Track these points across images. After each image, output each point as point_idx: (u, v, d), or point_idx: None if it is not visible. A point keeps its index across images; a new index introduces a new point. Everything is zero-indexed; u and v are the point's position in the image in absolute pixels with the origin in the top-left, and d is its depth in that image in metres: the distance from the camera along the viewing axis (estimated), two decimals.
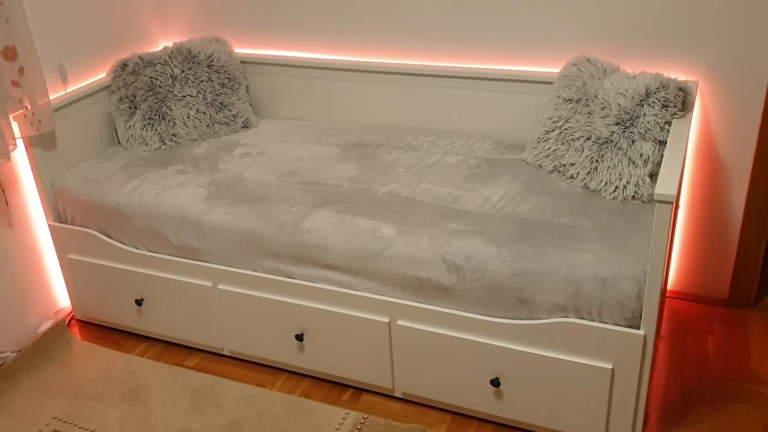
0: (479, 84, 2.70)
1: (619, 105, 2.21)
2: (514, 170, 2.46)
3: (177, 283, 2.48)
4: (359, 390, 2.40)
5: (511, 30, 2.63)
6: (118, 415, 2.32)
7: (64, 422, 2.30)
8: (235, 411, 2.30)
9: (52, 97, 2.64)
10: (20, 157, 2.61)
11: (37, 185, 2.63)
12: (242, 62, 3.04)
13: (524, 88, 2.64)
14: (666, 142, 2.15)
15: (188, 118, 2.85)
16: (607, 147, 2.27)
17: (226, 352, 2.57)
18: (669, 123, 2.17)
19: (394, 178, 2.46)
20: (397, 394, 2.34)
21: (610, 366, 1.96)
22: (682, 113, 2.20)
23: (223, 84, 2.92)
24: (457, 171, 2.48)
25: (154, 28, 3.14)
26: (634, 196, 2.21)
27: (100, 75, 2.91)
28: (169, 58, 2.84)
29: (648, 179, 2.20)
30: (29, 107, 2.44)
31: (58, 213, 2.67)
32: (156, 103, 2.81)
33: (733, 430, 2.16)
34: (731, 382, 2.35)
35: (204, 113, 2.88)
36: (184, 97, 2.85)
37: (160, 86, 2.81)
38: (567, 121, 2.39)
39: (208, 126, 2.89)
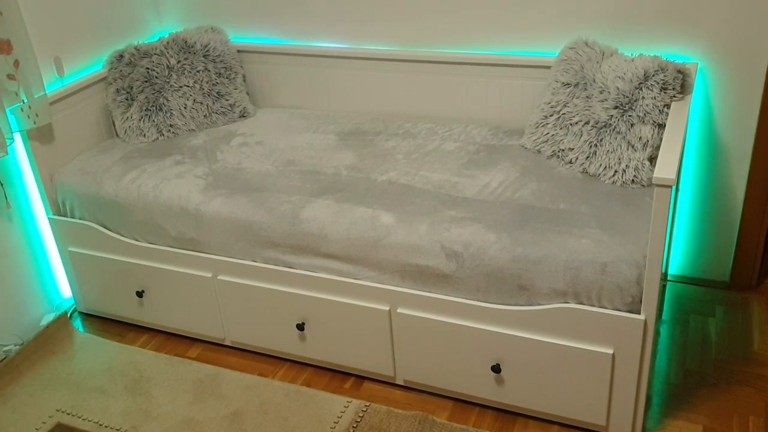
0: (477, 70, 2.69)
1: (618, 88, 2.19)
2: (513, 156, 2.45)
3: (177, 274, 2.49)
4: (361, 378, 2.40)
5: (507, 14, 2.61)
6: (121, 406, 2.33)
7: (68, 414, 2.31)
8: (237, 401, 2.31)
9: (48, 89, 2.63)
10: (18, 151, 2.60)
11: (35, 179, 2.63)
12: (239, 51, 3.02)
13: (522, 73, 2.62)
14: (665, 125, 2.14)
15: (185, 108, 2.84)
16: (606, 131, 2.26)
17: (227, 343, 2.58)
18: (668, 106, 2.15)
19: (393, 166, 2.45)
20: (399, 381, 2.34)
21: (610, 351, 1.96)
22: (681, 96, 2.18)
23: (220, 74, 2.90)
24: (455, 158, 2.47)
25: (149, 18, 3.12)
26: (633, 180, 2.19)
27: (97, 67, 2.89)
28: (165, 48, 2.83)
29: (647, 163, 2.19)
30: (26, 100, 2.44)
31: (58, 206, 2.67)
32: (153, 94, 2.80)
33: (734, 413, 2.16)
34: (733, 365, 2.35)
35: (201, 103, 2.87)
36: (180, 87, 2.83)
37: (156, 77, 2.80)
38: (565, 106, 2.38)
39: (205, 116, 2.88)
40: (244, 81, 3.04)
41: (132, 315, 2.70)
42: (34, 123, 2.48)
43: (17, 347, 2.59)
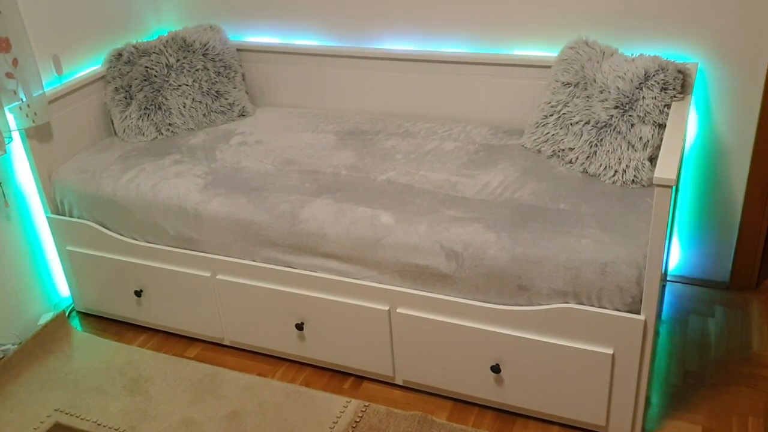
0: (477, 69, 2.68)
1: (618, 88, 2.19)
2: (513, 156, 2.44)
3: (176, 273, 2.48)
4: (360, 378, 2.40)
5: (508, 13, 2.61)
6: (120, 406, 2.32)
7: (66, 414, 2.30)
8: (236, 401, 2.30)
9: (47, 88, 2.62)
10: (17, 150, 2.59)
11: (34, 177, 2.62)
12: (238, 50, 3.02)
13: (522, 73, 2.62)
14: (665, 125, 2.13)
15: (184, 107, 2.83)
16: (606, 131, 2.25)
17: (226, 342, 2.57)
18: (668, 106, 2.15)
19: (392, 166, 2.45)
20: (398, 381, 2.34)
21: (610, 351, 1.96)
22: (681, 96, 2.18)
23: (219, 72, 2.90)
24: (455, 157, 2.47)
25: (148, 17, 3.11)
26: (633, 180, 2.19)
27: (96, 65, 2.89)
28: (164, 47, 2.82)
29: (647, 163, 2.19)
30: (24, 99, 2.43)
31: (56, 205, 2.66)
32: (152, 92, 2.79)
33: (734, 414, 2.16)
34: (732, 366, 2.35)
35: (200, 102, 2.86)
36: (179, 86, 2.83)
37: (155, 76, 2.79)
38: (566, 106, 2.38)
39: (204, 115, 2.88)
40: (243, 80, 3.04)
41: (130, 314, 2.70)
42: (33, 122, 2.47)
43: (15, 346, 2.59)
